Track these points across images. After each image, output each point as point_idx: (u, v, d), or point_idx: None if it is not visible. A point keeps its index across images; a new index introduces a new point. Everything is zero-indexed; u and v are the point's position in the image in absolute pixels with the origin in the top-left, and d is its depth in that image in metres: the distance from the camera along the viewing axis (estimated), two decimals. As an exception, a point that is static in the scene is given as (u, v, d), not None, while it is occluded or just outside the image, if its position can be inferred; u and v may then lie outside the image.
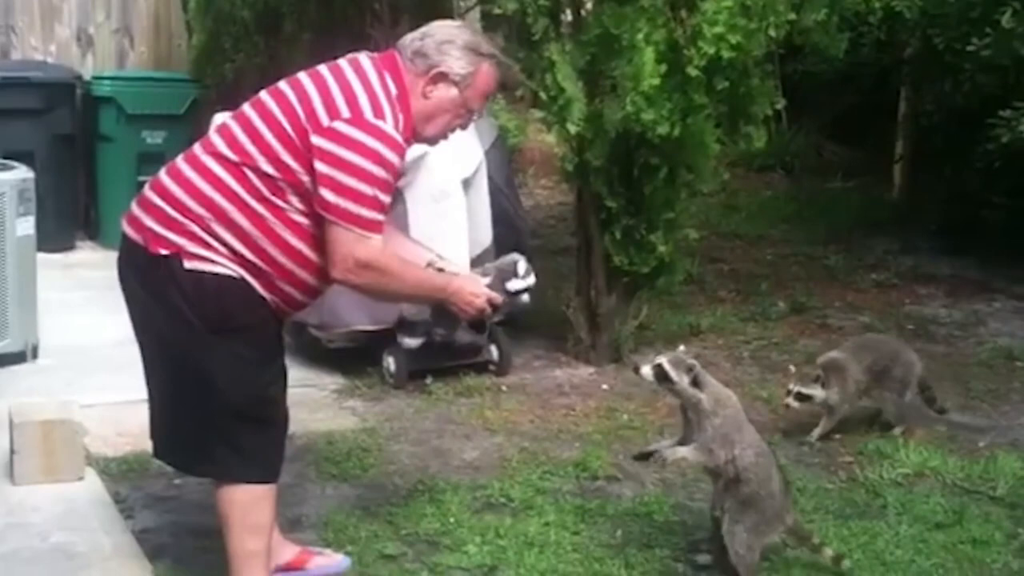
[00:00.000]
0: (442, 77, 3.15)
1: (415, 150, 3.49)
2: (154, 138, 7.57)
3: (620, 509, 3.94)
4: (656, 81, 4.85)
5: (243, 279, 3.03)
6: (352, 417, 4.79)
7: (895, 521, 3.88)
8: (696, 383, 3.35)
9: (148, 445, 3.34)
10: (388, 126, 3.01)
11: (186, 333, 3.02)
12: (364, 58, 3.17)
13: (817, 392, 4.53)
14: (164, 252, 3.01)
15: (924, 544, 3.72)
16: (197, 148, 3.13)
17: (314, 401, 4.88)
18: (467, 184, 5.20)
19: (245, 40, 7.60)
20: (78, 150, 7.70)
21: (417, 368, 5.14)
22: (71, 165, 7.61)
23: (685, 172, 5.35)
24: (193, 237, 3.01)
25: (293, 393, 3.30)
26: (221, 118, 3.36)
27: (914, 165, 8.70)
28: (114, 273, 3.16)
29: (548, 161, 9.08)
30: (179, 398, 3.11)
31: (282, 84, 3.13)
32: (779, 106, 5.89)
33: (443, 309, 3.35)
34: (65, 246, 7.45)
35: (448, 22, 3.46)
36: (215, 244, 3.01)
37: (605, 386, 5.27)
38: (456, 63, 3.15)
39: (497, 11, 5.19)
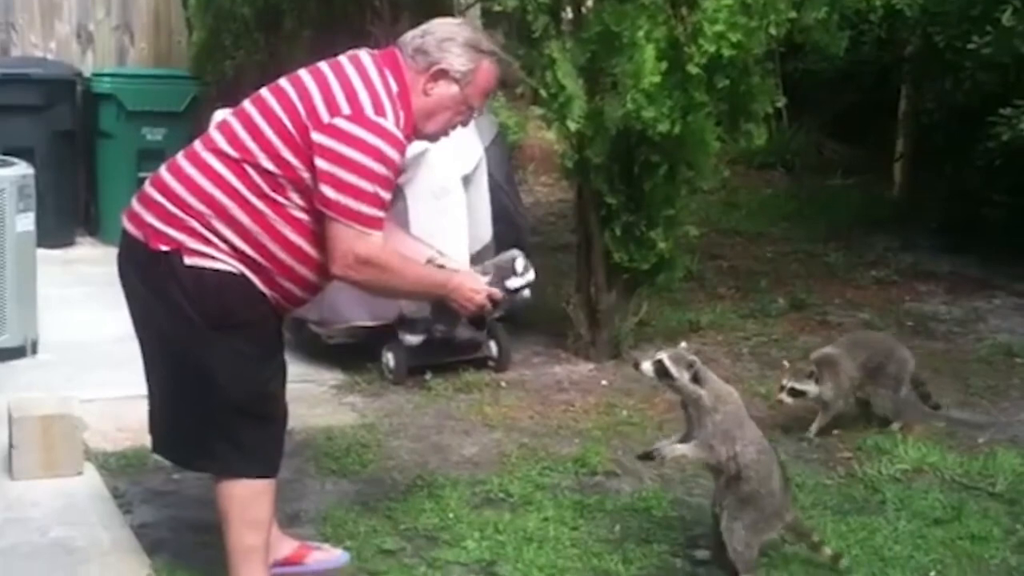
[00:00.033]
0: (443, 74, 3.15)
1: (415, 147, 3.49)
2: (154, 135, 7.57)
3: (619, 505, 3.95)
4: (656, 79, 4.86)
5: (243, 275, 3.04)
6: (351, 413, 4.79)
7: (893, 517, 3.89)
8: (696, 379, 3.35)
9: (147, 440, 3.35)
10: (389, 123, 3.02)
11: (186, 329, 3.03)
12: (365, 55, 3.17)
13: (811, 388, 4.54)
14: (164, 248, 3.02)
15: (922, 540, 3.72)
16: (198, 145, 3.14)
17: (313, 397, 4.89)
18: (467, 181, 5.21)
19: (245, 37, 7.60)
20: (78, 146, 7.71)
21: (416, 364, 5.14)
22: (71, 161, 7.61)
23: (685, 169, 5.36)
24: (193, 233, 3.01)
25: (292, 389, 3.31)
26: (221, 115, 3.37)
27: (914, 163, 8.70)
28: (114, 269, 3.16)
29: (548, 158, 9.08)
30: (179, 394, 3.12)
31: (283, 81, 3.13)
32: (779, 104, 5.89)
33: (443, 306, 3.35)
34: (65, 242, 7.45)
35: (449, 19, 3.47)
36: (215, 240, 3.01)
37: (604, 382, 5.27)
38: (457, 60, 3.15)
39: (497, 8, 5.19)
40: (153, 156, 6.65)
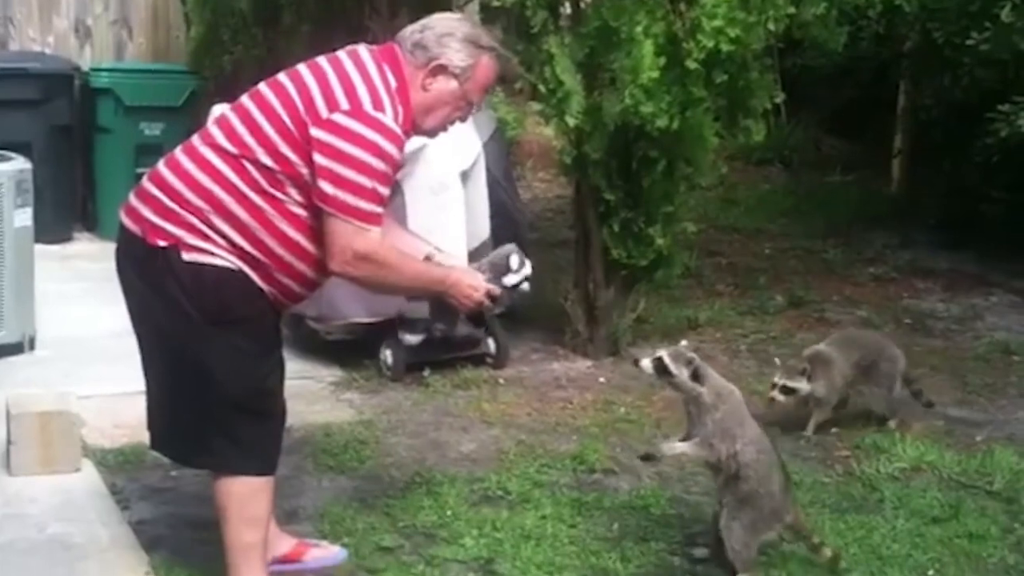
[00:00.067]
0: (442, 69, 3.14)
1: (414, 142, 3.48)
2: (152, 130, 7.55)
3: (617, 502, 3.94)
4: (655, 74, 4.85)
5: (241, 271, 3.03)
6: (349, 409, 4.79)
7: (891, 515, 3.89)
8: (696, 377, 3.35)
9: (145, 437, 3.34)
10: (387, 118, 3.01)
11: (184, 325, 3.02)
12: (363, 50, 3.16)
13: (802, 385, 4.54)
14: (162, 244, 3.01)
15: (920, 538, 3.72)
16: (196, 140, 3.13)
17: (312, 393, 4.88)
18: (465, 177, 5.20)
19: (243, 32, 7.58)
20: (76, 141, 7.68)
21: (414, 361, 5.14)
22: (69, 156, 7.59)
23: (684, 165, 5.35)
24: (191, 229, 3.00)
25: (291, 385, 3.30)
26: (219, 110, 3.35)
27: (913, 159, 8.70)
28: (112, 264, 3.16)
29: (546, 154, 9.06)
30: (177, 390, 3.11)
31: (281, 76, 3.13)
32: (778, 100, 5.88)
33: (442, 304, 3.35)
34: (63, 237, 7.43)
35: (448, 15, 3.45)
36: (213, 236, 3.01)
37: (602, 379, 5.27)
38: (456, 56, 3.14)
39: (496, 3, 5.18)
40: (151, 151, 6.63)
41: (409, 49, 3.15)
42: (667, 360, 3.36)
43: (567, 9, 5.28)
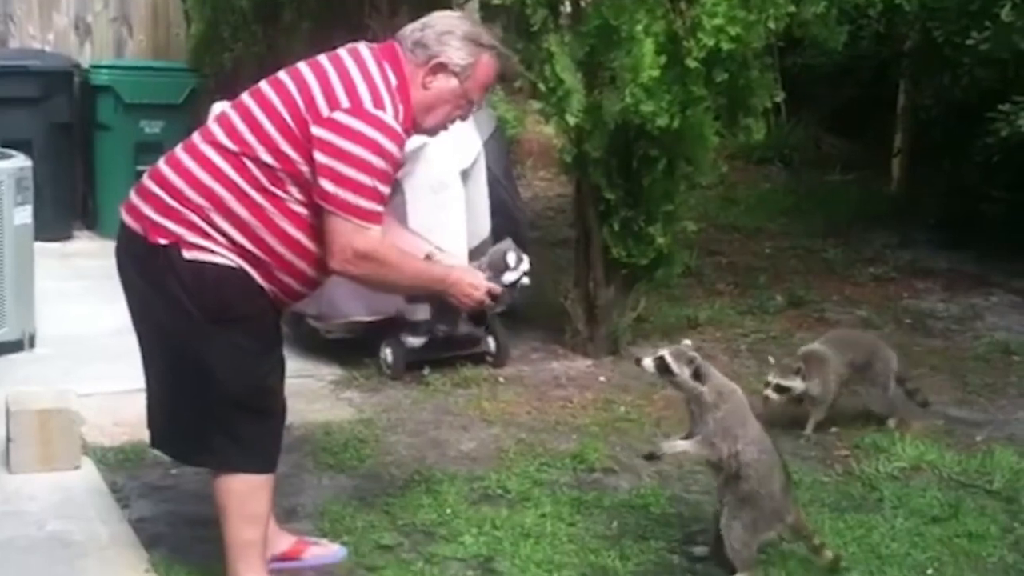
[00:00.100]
0: (442, 68, 3.14)
1: (414, 141, 3.48)
2: (152, 127, 7.56)
3: (616, 501, 3.94)
4: (655, 73, 4.85)
5: (242, 269, 3.03)
6: (349, 408, 4.79)
7: (891, 515, 3.89)
8: (698, 376, 3.35)
9: (145, 434, 3.34)
10: (388, 116, 3.01)
11: (185, 323, 3.02)
12: (364, 48, 3.16)
13: (796, 384, 4.54)
14: (163, 241, 3.01)
15: (920, 538, 3.72)
16: (196, 137, 3.13)
17: (312, 392, 4.88)
18: (465, 175, 5.20)
19: (244, 29, 7.58)
20: (76, 139, 7.69)
21: (414, 359, 5.13)
22: (69, 154, 7.60)
23: (684, 164, 5.35)
24: (192, 227, 3.00)
25: (291, 383, 3.30)
26: (220, 107, 3.35)
27: (913, 159, 8.70)
28: (112, 262, 3.15)
29: (546, 152, 9.06)
30: (177, 388, 3.11)
31: (282, 74, 3.12)
32: (778, 99, 5.89)
33: (444, 304, 3.34)
34: (63, 235, 7.43)
35: (448, 13, 3.46)
36: (214, 234, 3.01)
37: (602, 378, 5.27)
38: (456, 54, 3.14)
39: (496, 2, 5.17)
40: (151, 149, 6.64)
41: (409, 47, 3.15)
42: (669, 359, 3.36)
43: (567, 7, 5.27)
